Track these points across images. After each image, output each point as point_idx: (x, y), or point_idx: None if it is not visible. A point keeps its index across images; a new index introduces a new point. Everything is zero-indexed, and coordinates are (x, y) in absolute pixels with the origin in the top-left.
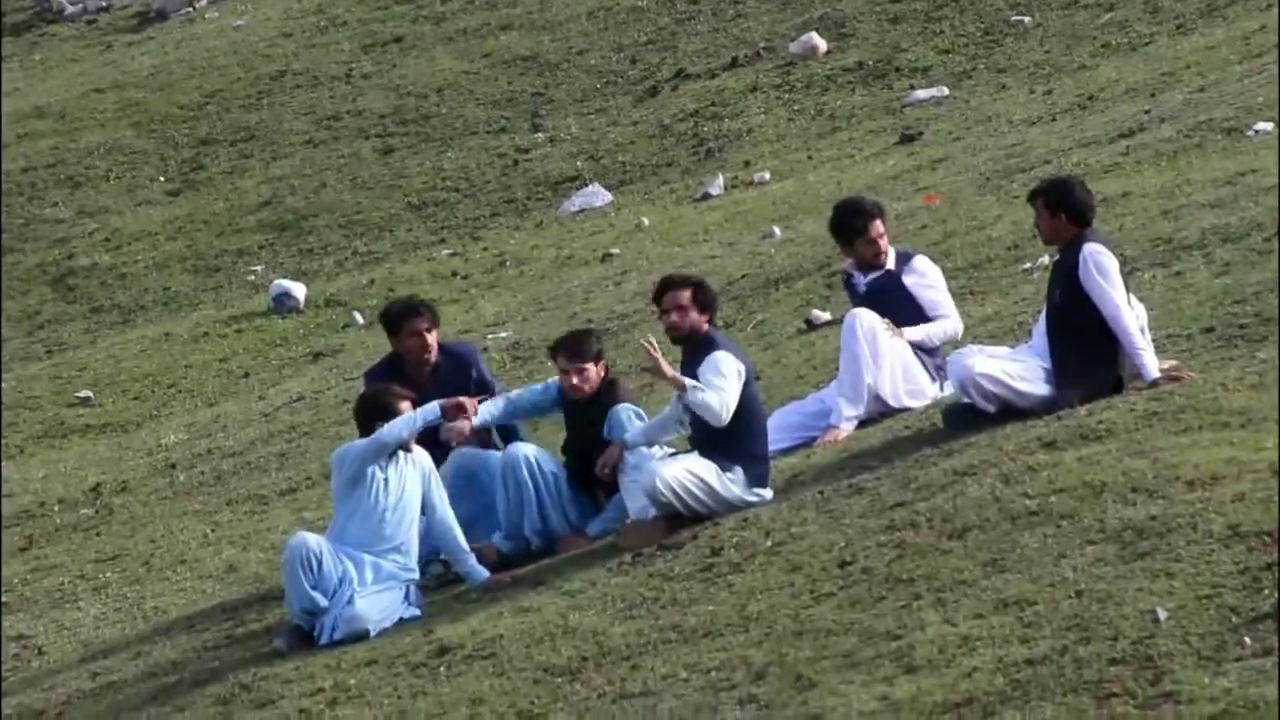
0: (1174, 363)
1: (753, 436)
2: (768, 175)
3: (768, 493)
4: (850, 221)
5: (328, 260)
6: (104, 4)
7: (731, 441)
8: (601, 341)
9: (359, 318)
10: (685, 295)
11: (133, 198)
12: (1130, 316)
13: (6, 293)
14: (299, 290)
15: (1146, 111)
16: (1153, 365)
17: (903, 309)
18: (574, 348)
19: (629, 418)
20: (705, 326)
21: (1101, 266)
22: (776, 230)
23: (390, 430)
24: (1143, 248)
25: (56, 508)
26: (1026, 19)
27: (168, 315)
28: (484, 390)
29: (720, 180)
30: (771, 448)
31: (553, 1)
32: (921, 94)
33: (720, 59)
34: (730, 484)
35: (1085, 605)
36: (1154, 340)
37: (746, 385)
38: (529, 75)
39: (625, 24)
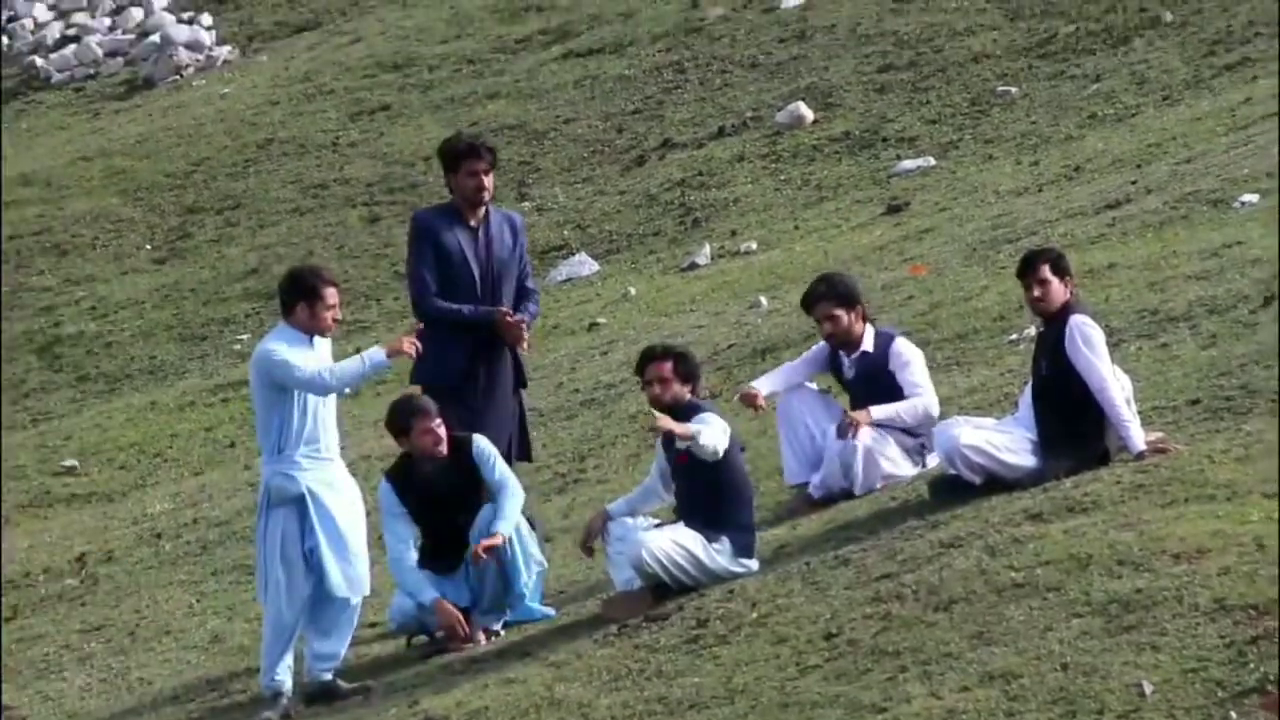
0: (1160, 434)
1: (740, 507)
2: (754, 245)
3: (753, 563)
4: (803, 304)
5: None
6: (91, 72)
7: (718, 512)
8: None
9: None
10: (667, 367)
11: (119, 266)
12: (1116, 388)
13: None
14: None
15: (1133, 183)
16: (1139, 437)
17: (893, 396)
18: (420, 409)
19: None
20: (688, 396)
21: (1088, 338)
22: (763, 300)
23: (335, 376)
24: (1129, 319)
25: (41, 577)
26: (1013, 90)
27: (154, 384)
28: (523, 263)
29: (707, 250)
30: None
31: (540, 70)
32: (908, 164)
33: (707, 129)
34: (716, 555)
35: (1071, 678)
36: (1140, 412)
37: (733, 453)
38: (516, 144)
39: (612, 93)
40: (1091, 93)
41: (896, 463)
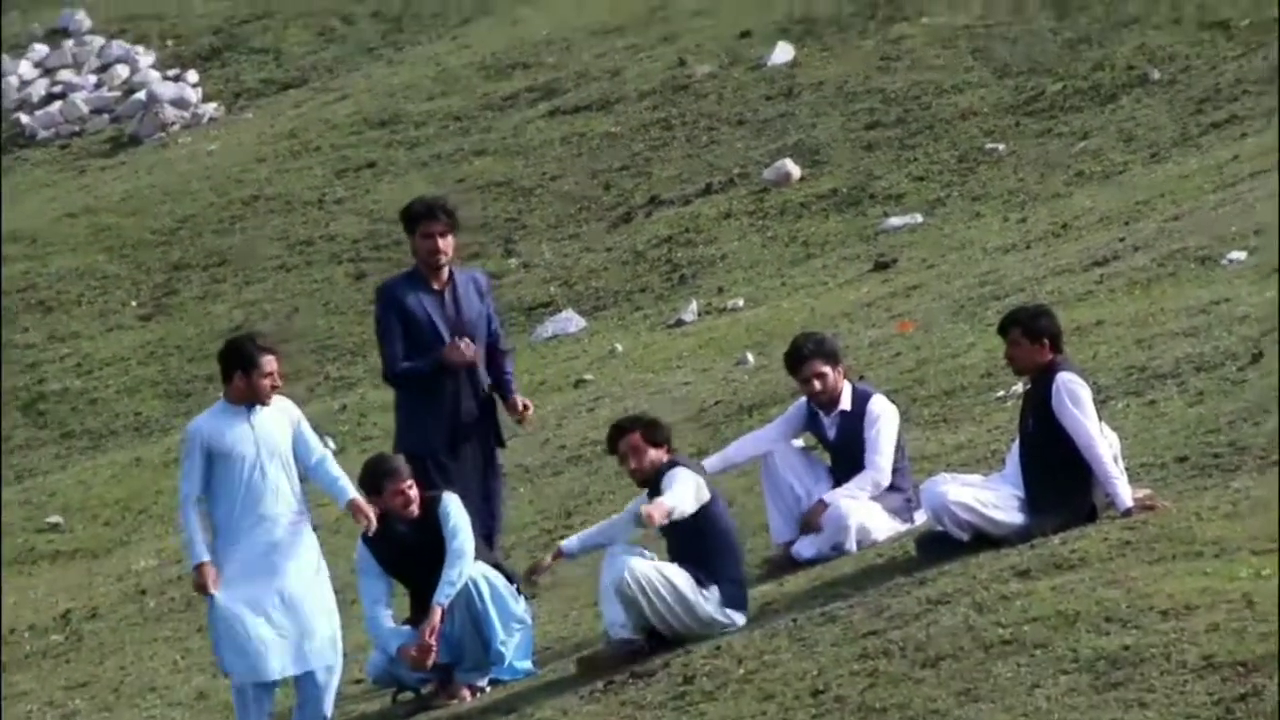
0: (1148, 491)
1: (729, 559)
2: (741, 302)
3: (740, 617)
4: (788, 364)
5: (300, 385)
6: (77, 129)
7: (708, 563)
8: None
9: (331, 443)
10: (636, 437)
11: (104, 323)
12: (1104, 446)
13: None
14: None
15: (1121, 240)
16: (1126, 494)
17: (861, 452)
18: (392, 470)
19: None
20: (665, 457)
21: (1075, 396)
22: (750, 357)
23: (183, 522)
24: (1116, 376)
25: (26, 634)
26: (1001, 147)
27: (139, 440)
28: (492, 323)
29: (694, 306)
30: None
31: (526, 127)
32: (895, 221)
33: (694, 185)
34: (704, 600)
35: None
36: (1128, 469)
37: (714, 506)
38: (502, 200)
39: (599, 150)
40: (1079, 150)
41: (884, 528)
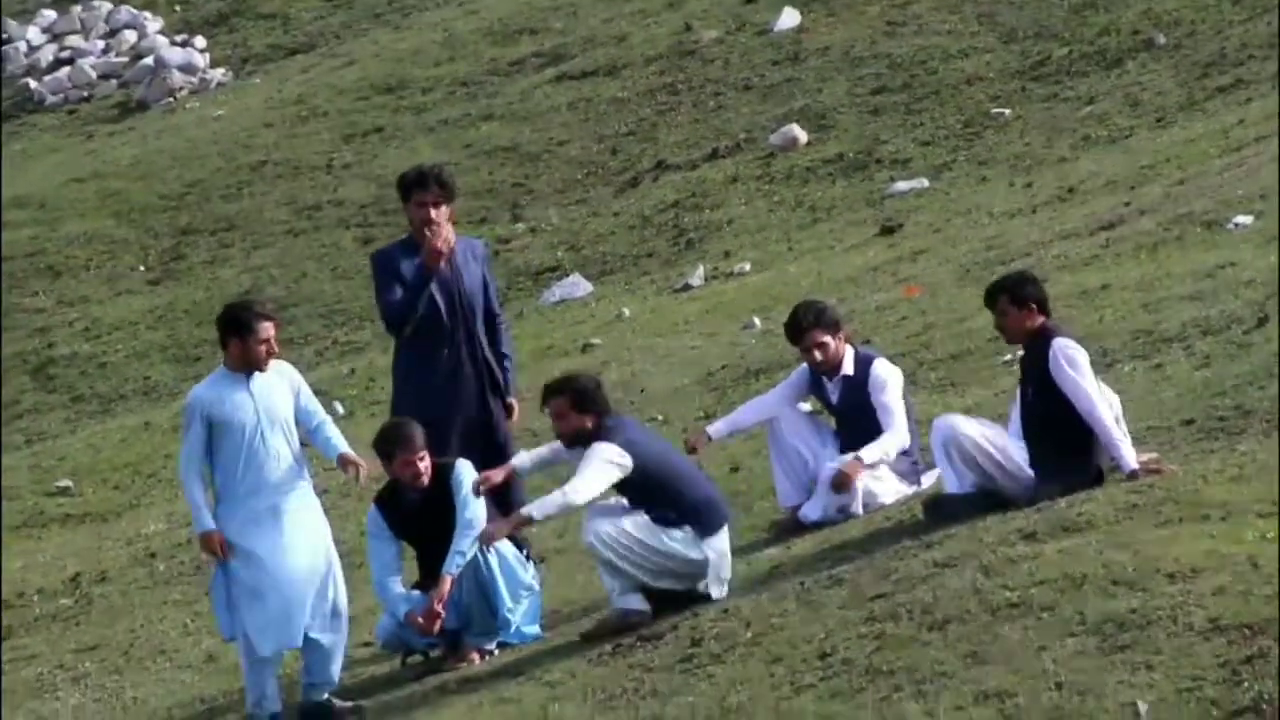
0: (1153, 455)
1: (683, 489)
2: (748, 266)
3: (721, 543)
4: (788, 334)
5: (308, 350)
6: (85, 94)
7: (664, 503)
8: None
9: (339, 407)
10: (562, 402)
11: (113, 287)
12: (1105, 408)
13: None
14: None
15: (1126, 204)
16: (1130, 456)
17: (871, 417)
18: (405, 439)
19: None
20: (589, 424)
21: (1072, 360)
22: (756, 321)
23: (186, 484)
24: (1122, 340)
25: (36, 597)
26: (1007, 111)
27: (148, 404)
28: (488, 290)
29: (700, 271)
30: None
31: (533, 92)
32: (902, 185)
33: (701, 150)
34: (673, 540)
35: (1066, 698)
36: (1133, 432)
37: (640, 459)
38: (509, 166)
39: (606, 115)
40: (1085, 115)
41: (891, 491)
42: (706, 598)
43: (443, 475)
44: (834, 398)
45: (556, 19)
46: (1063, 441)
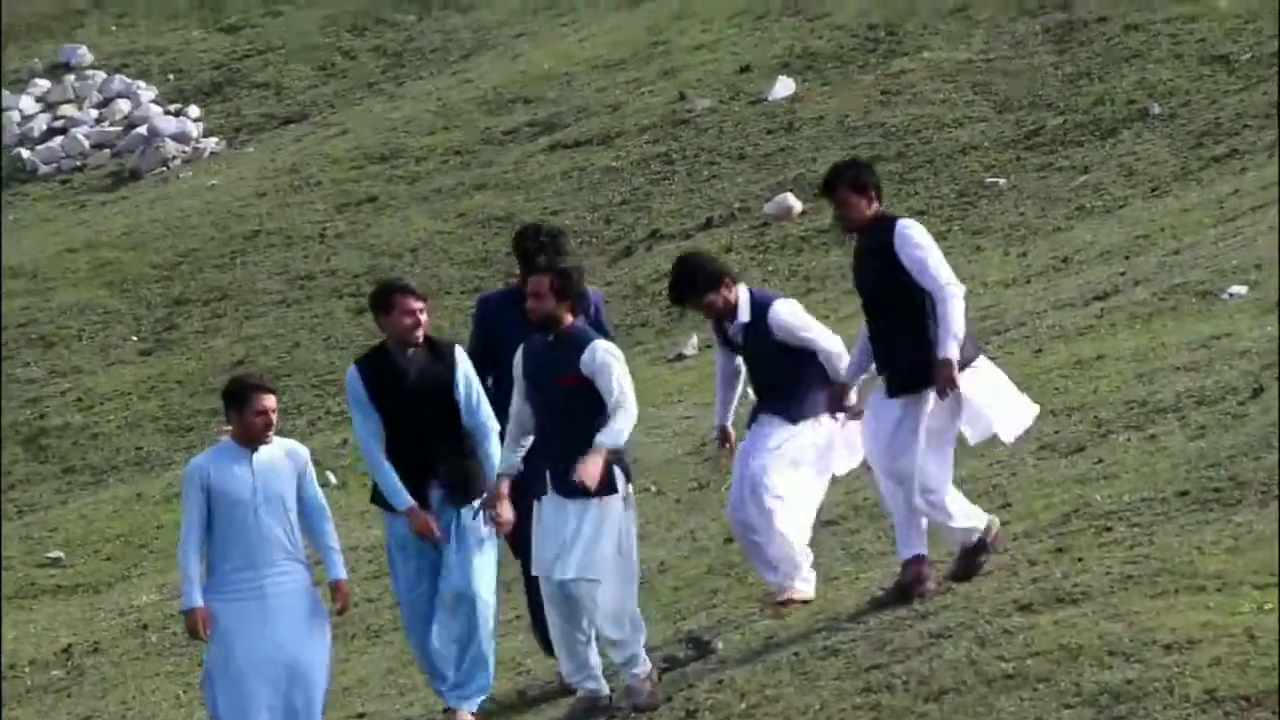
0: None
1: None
2: None
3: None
4: (671, 298)
5: (300, 420)
6: (78, 164)
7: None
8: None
9: (332, 478)
10: (545, 283)
11: (105, 357)
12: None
13: None
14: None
15: (1121, 274)
16: (952, 348)
17: (785, 353)
18: (403, 287)
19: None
20: (567, 317)
21: (919, 236)
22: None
23: (182, 560)
24: (1117, 410)
25: (27, 669)
26: (1001, 181)
27: (140, 475)
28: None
29: (694, 340)
30: None
31: (527, 162)
32: None
33: (695, 219)
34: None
35: None
36: (1129, 504)
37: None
38: (504, 235)
39: (600, 184)
40: (1080, 184)
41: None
42: None
43: (441, 349)
44: (739, 339)
45: (550, 88)
46: (906, 321)
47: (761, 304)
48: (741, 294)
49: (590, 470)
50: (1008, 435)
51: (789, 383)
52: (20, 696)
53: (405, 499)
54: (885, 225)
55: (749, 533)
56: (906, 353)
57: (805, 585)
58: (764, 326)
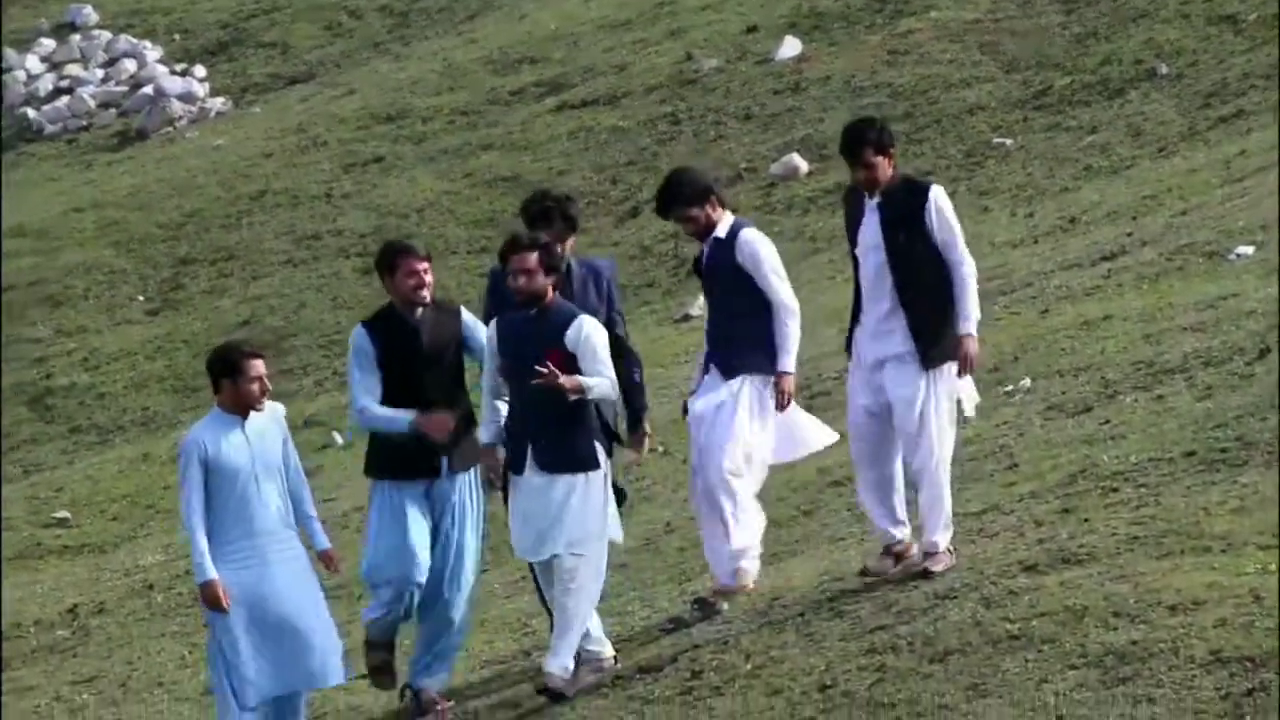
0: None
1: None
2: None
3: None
4: (657, 211)
5: (307, 380)
6: (84, 124)
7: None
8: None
9: (338, 438)
10: (532, 259)
11: (112, 317)
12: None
13: None
14: (278, 410)
15: (1128, 234)
16: (973, 322)
17: (740, 287)
18: (408, 248)
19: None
20: (551, 288)
21: (950, 208)
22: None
23: (190, 525)
24: (1124, 371)
25: (33, 629)
26: (1008, 141)
27: (146, 435)
28: (611, 314)
29: (701, 301)
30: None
31: (534, 122)
32: None
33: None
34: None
35: None
36: (1136, 464)
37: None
38: (510, 195)
39: (606, 145)
40: (1087, 145)
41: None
42: None
43: (448, 310)
44: (704, 261)
45: (557, 48)
46: (937, 292)
47: (738, 226)
48: (726, 217)
49: (561, 380)
50: (806, 451)
51: (738, 328)
52: (25, 657)
53: (407, 415)
54: (915, 189)
55: (708, 515)
56: (938, 324)
57: (747, 572)
58: (731, 248)
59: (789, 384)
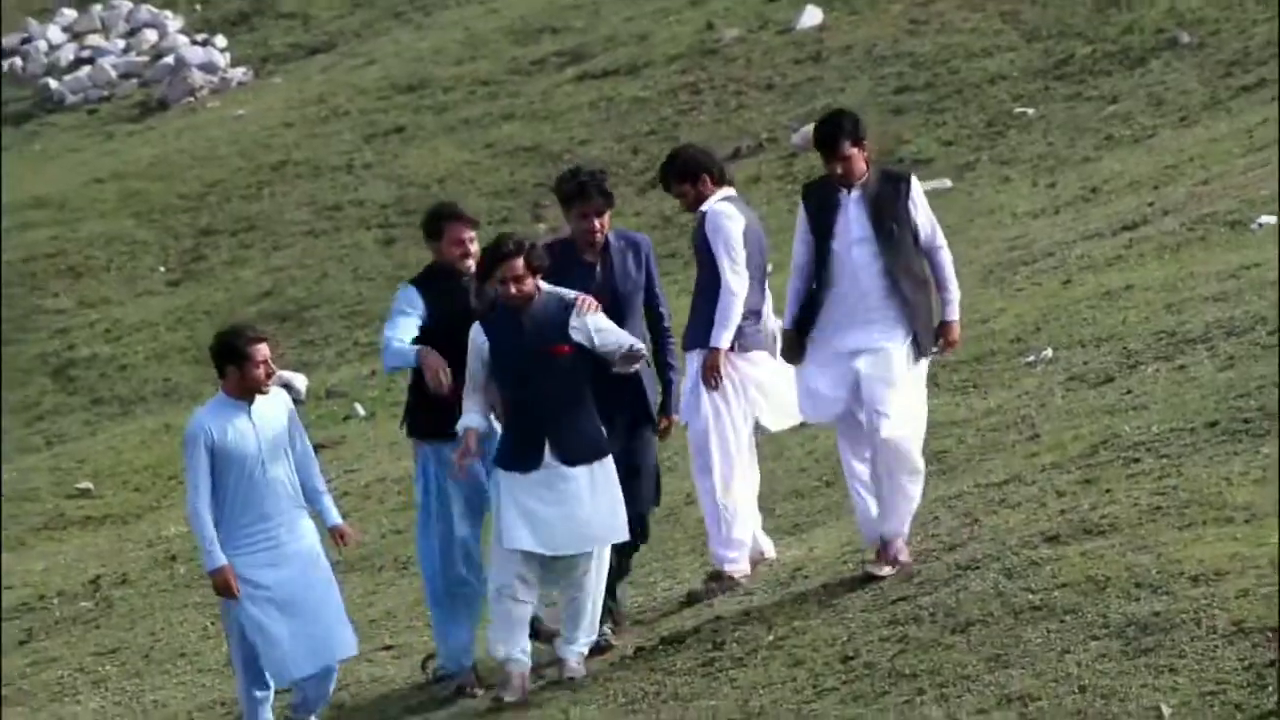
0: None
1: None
2: (770, 266)
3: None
4: (660, 176)
5: (329, 351)
6: (105, 94)
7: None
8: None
9: (360, 409)
10: (519, 264)
11: (133, 288)
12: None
13: (6, 384)
14: (300, 381)
15: (1150, 204)
16: (954, 309)
17: (700, 262)
18: (456, 215)
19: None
20: (538, 286)
21: (923, 195)
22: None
23: (196, 520)
24: (1146, 341)
25: (56, 600)
26: (1030, 111)
27: (168, 406)
28: (651, 288)
29: None
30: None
31: (555, 92)
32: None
33: (723, 150)
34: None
35: (1089, 701)
36: (1157, 434)
37: None
38: (531, 165)
39: (628, 115)
40: (1108, 114)
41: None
42: None
43: None
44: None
45: (578, 18)
46: (921, 275)
47: (717, 202)
48: (719, 194)
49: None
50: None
51: (698, 302)
52: (49, 628)
53: (414, 350)
54: (895, 178)
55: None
56: (926, 312)
57: (736, 564)
58: (702, 224)
59: (715, 359)
